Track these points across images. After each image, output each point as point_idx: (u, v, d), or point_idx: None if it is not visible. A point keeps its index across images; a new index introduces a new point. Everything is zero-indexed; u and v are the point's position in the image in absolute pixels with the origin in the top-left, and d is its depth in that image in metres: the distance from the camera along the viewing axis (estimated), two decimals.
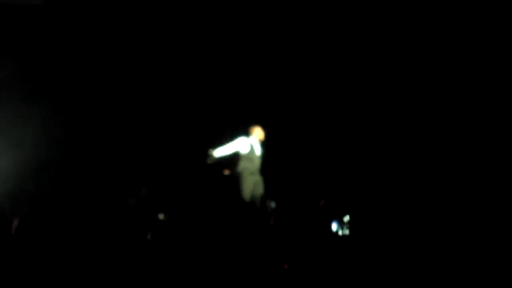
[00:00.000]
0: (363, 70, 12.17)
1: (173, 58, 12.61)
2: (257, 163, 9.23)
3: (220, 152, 9.11)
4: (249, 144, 9.25)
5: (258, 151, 9.32)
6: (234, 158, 9.12)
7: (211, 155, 9.02)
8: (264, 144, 9.37)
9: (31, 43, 12.31)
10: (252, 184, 9.13)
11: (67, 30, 12.45)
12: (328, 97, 12.32)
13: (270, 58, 12.55)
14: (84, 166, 11.17)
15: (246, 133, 9.37)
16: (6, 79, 12.20)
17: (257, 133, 9.36)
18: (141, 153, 12.41)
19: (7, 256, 3.22)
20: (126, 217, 4.74)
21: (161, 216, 6.68)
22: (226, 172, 9.18)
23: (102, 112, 12.73)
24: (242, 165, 9.09)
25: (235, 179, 9.11)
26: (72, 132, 12.51)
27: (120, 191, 8.37)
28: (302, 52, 12.45)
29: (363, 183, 8.58)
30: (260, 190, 9.22)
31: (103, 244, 3.92)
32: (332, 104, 12.28)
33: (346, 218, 5.08)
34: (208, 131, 11.93)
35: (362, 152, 11.27)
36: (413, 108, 11.64)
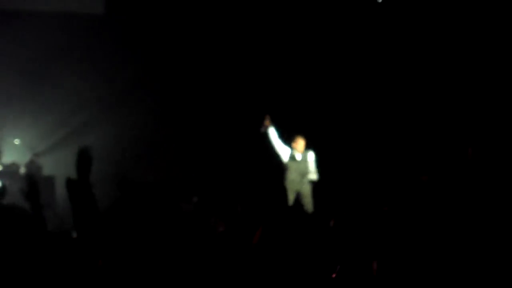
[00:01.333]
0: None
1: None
2: (301, 173, 9.22)
3: (273, 136, 9.22)
4: (289, 154, 9.27)
5: (299, 158, 9.29)
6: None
7: (267, 126, 9.16)
8: (309, 152, 9.33)
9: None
10: (294, 192, 9.16)
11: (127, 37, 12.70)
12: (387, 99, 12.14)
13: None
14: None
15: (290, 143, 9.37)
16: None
17: (298, 145, 9.31)
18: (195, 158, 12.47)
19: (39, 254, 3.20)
20: (181, 222, 4.70)
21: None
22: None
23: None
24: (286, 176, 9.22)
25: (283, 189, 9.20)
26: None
27: (173, 196, 8.44)
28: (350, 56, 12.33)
29: (421, 190, 8.38)
30: (307, 198, 9.19)
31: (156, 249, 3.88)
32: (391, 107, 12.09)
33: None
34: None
35: (421, 157, 11.02)
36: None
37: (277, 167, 9.37)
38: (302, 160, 9.29)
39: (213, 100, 12.74)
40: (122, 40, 12.70)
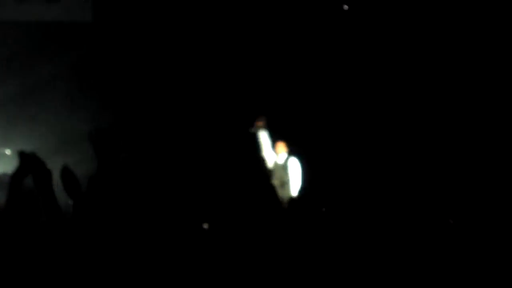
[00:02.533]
0: None
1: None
2: (281, 179, 9.19)
3: (263, 139, 9.12)
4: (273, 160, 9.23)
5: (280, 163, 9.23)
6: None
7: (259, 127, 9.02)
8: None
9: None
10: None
11: (115, 45, 12.70)
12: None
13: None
14: None
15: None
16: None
17: (278, 148, 9.29)
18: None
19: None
20: None
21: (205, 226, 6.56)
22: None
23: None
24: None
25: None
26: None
27: None
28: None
29: None
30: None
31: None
32: None
33: None
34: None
35: None
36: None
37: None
38: (283, 165, 9.28)
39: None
40: None
